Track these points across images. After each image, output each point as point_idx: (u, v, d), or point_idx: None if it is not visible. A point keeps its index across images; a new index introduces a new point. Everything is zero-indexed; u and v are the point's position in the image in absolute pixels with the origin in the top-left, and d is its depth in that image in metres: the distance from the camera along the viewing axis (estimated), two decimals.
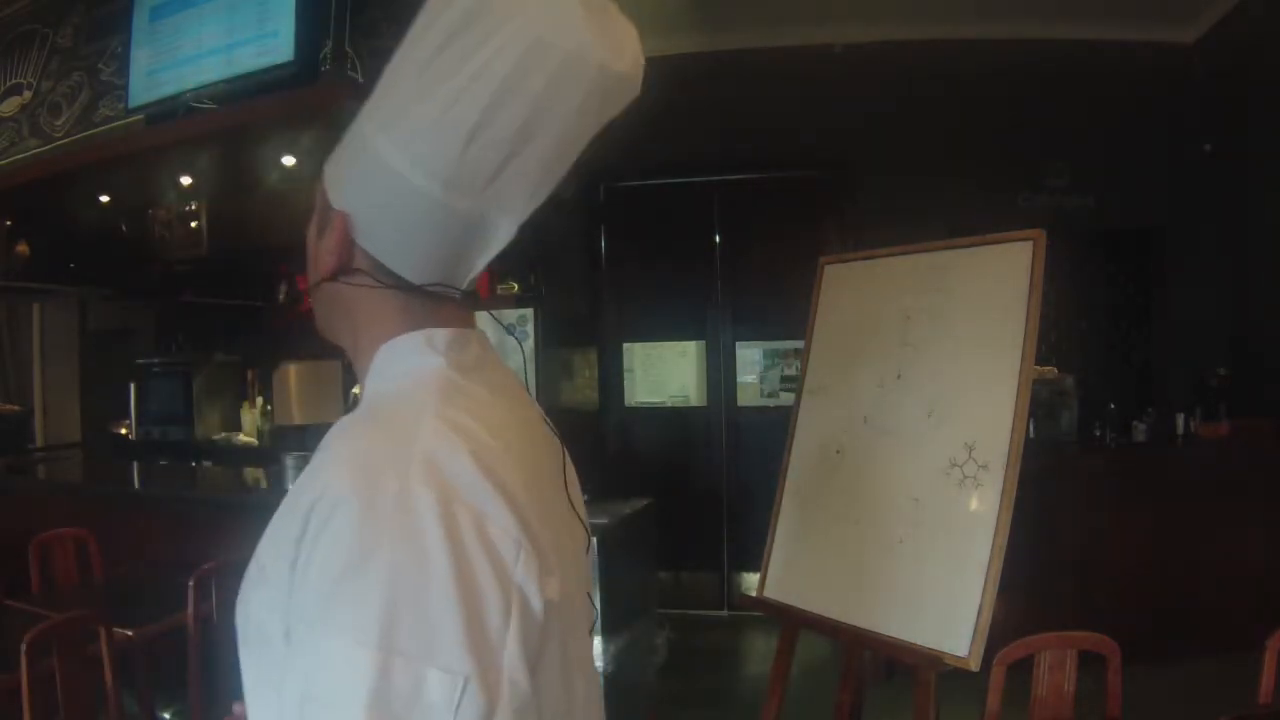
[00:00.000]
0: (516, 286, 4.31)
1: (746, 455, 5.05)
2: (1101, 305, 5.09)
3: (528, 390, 0.84)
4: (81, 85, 3.93)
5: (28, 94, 4.10)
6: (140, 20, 3.64)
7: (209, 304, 5.87)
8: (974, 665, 2.06)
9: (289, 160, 3.89)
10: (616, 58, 0.69)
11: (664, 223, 5.21)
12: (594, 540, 2.60)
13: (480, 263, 0.75)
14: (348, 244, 0.74)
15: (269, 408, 5.48)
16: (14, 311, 5.45)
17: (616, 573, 3.04)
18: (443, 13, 0.69)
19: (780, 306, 4.79)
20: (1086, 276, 4.96)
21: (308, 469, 0.68)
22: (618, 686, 3.00)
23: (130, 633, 2.64)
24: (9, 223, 4.78)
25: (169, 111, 3.55)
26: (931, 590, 2.21)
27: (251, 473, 4.31)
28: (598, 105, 0.71)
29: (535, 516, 0.65)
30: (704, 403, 5.20)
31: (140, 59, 3.63)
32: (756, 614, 3.18)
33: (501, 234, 0.73)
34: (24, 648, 2.04)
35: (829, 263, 2.88)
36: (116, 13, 3.79)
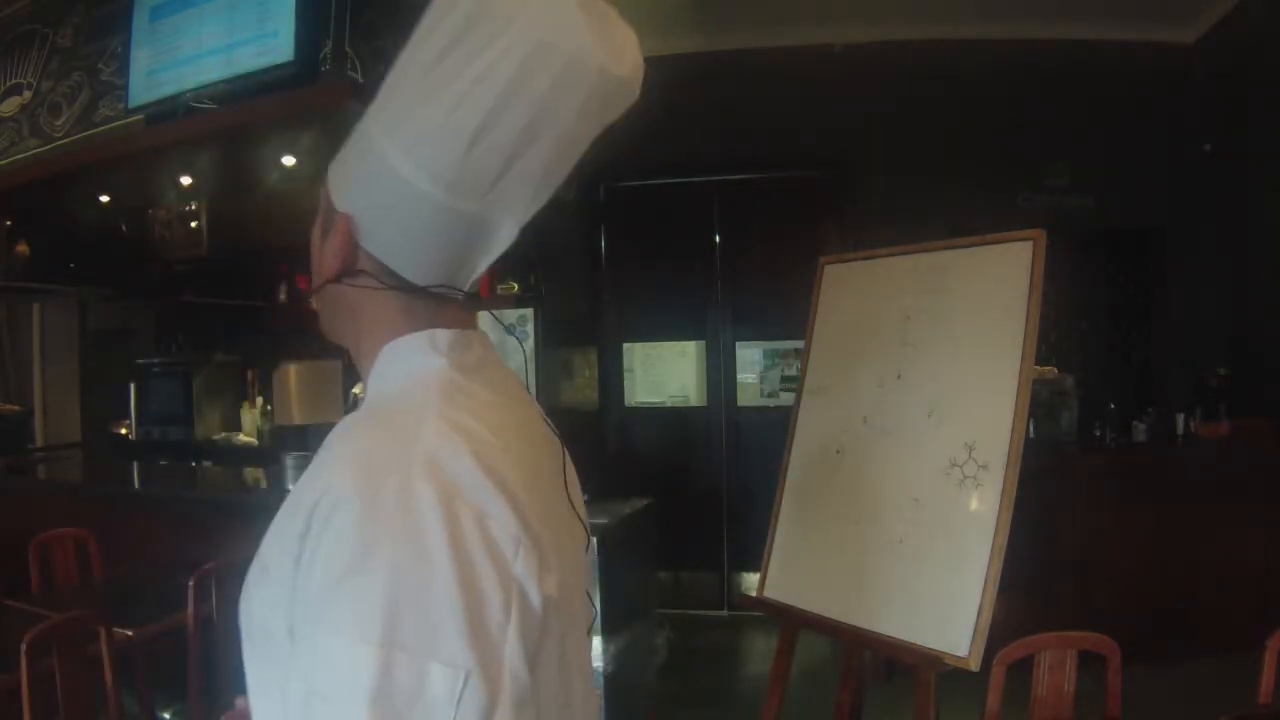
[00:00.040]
0: (516, 286, 4.31)
1: (746, 455, 5.05)
2: (1101, 305, 5.09)
3: (528, 390, 0.85)
4: (81, 85, 3.93)
5: (28, 94, 4.10)
6: (140, 20, 3.64)
7: (209, 304, 5.87)
8: (974, 665, 2.06)
9: (289, 160, 3.88)
10: (616, 62, 0.70)
11: (664, 223, 5.21)
12: (594, 540, 2.60)
13: (483, 264, 0.75)
14: (352, 246, 0.75)
15: (269, 408, 5.48)
16: (14, 311, 5.45)
17: (616, 573, 3.04)
18: (446, 16, 0.69)
19: (780, 306, 4.79)
20: (1086, 276, 4.96)
21: (310, 468, 0.68)
22: (618, 686, 3.00)
23: (130, 633, 2.64)
24: (9, 223, 4.77)
25: (169, 111, 3.55)
26: (931, 590, 2.21)
27: (251, 473, 4.31)
28: (598, 109, 0.72)
29: (535, 515, 0.65)
30: (704, 403, 5.20)
31: (140, 59, 3.63)
32: (756, 614, 3.18)
33: (504, 236, 0.74)
34: (24, 648, 2.04)
35: (829, 263, 2.88)
36: (116, 13, 3.79)
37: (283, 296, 5.38)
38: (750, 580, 4.70)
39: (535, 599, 0.62)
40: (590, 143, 0.75)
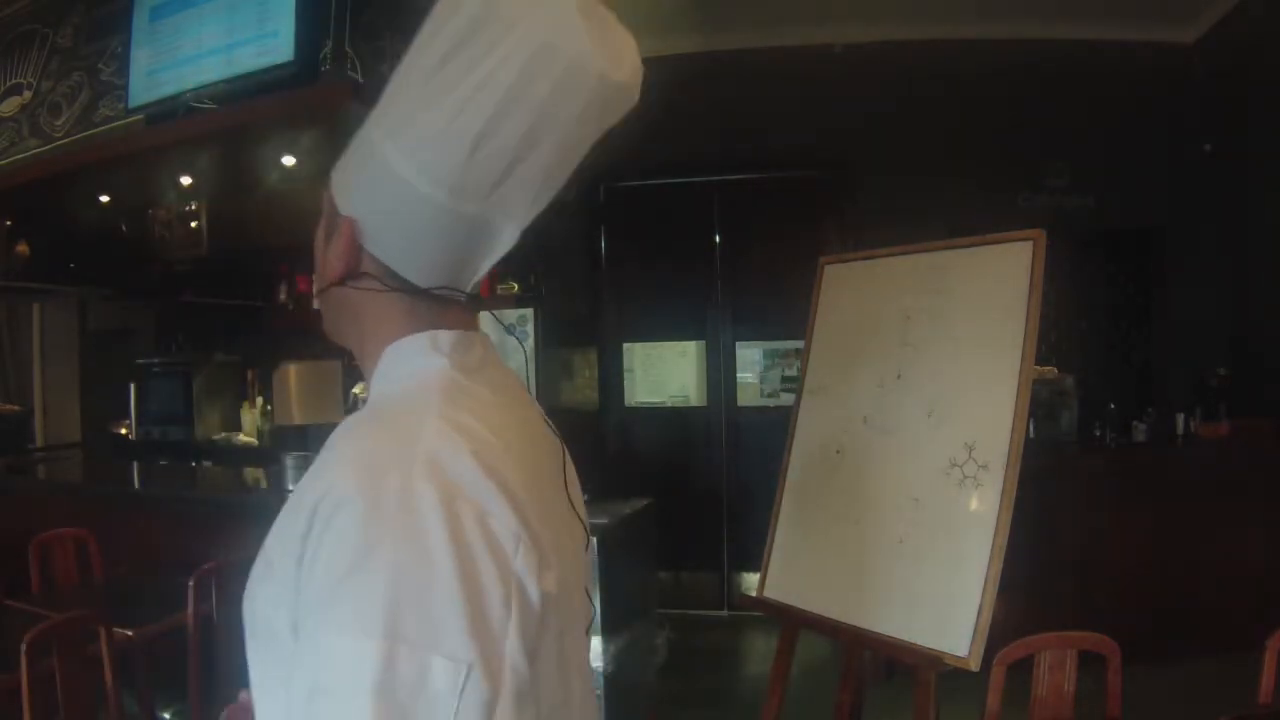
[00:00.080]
0: (516, 286, 4.31)
1: (746, 455, 5.05)
2: (1101, 305, 5.09)
3: (528, 391, 0.86)
4: (81, 85, 3.93)
5: (28, 94, 4.10)
6: (140, 20, 3.64)
7: (209, 304, 5.87)
8: (974, 665, 2.06)
9: (289, 160, 3.89)
10: (616, 67, 0.71)
11: (664, 223, 5.21)
12: (593, 540, 2.60)
13: (485, 266, 0.77)
14: (356, 249, 0.76)
15: (269, 408, 5.48)
16: (14, 311, 5.45)
17: (616, 573, 3.04)
18: (448, 22, 0.70)
19: (780, 306, 4.79)
20: (1086, 276, 4.96)
21: (313, 468, 0.69)
22: (618, 686, 3.00)
23: (130, 633, 2.64)
24: (9, 223, 4.77)
25: (169, 111, 3.55)
26: (931, 590, 2.21)
27: (251, 473, 4.31)
28: (598, 113, 0.73)
29: (534, 514, 0.66)
30: (704, 403, 5.20)
31: (140, 59, 3.63)
32: (756, 614, 3.18)
33: (505, 238, 0.75)
34: (24, 648, 2.03)
35: (829, 263, 2.88)
36: (116, 13, 3.79)
37: (283, 296, 5.38)
38: (750, 580, 4.70)
39: (534, 595, 0.63)
40: (590, 147, 0.76)
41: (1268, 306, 4.58)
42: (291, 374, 5.27)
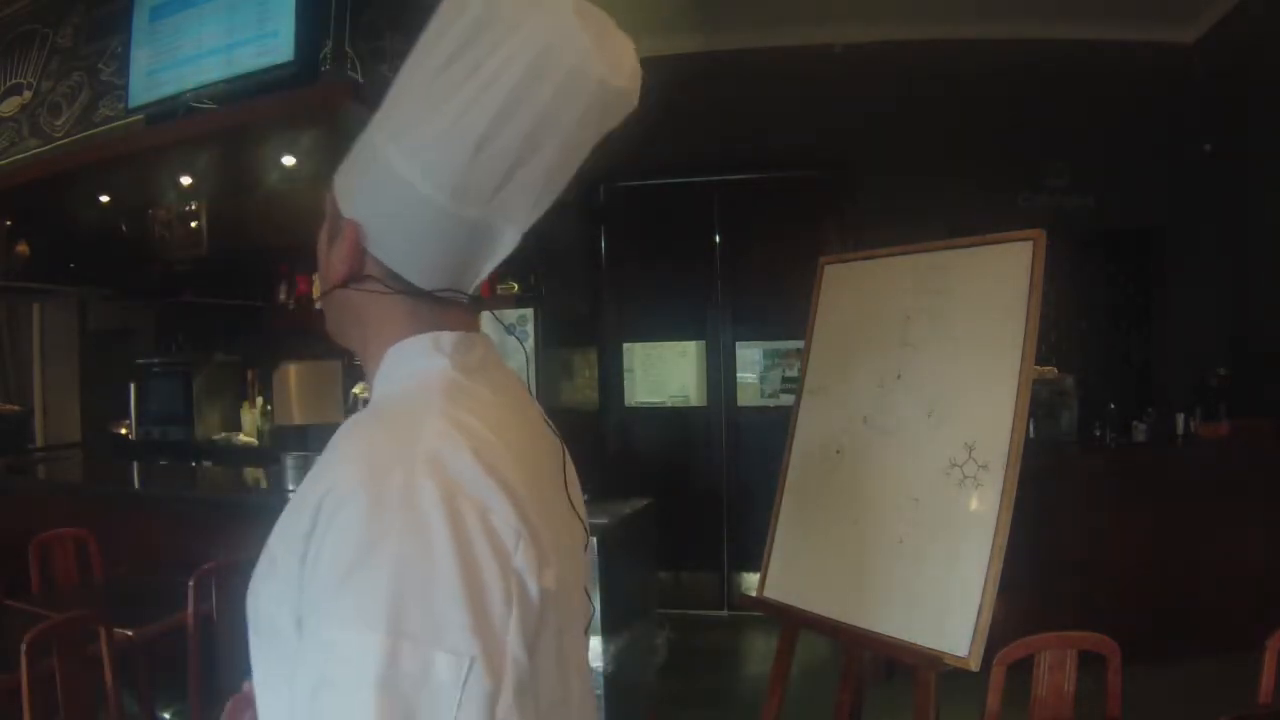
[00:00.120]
0: (516, 286, 4.31)
1: (746, 455, 5.05)
2: (1101, 305, 5.09)
3: (529, 391, 0.86)
4: (81, 85, 3.93)
5: (28, 94, 4.10)
6: (140, 20, 3.64)
7: (209, 304, 5.86)
8: (974, 665, 2.06)
9: (289, 160, 3.89)
10: (615, 73, 0.72)
11: (664, 223, 5.21)
12: (593, 540, 2.60)
13: (486, 268, 0.78)
14: (359, 252, 0.77)
15: (269, 408, 5.48)
16: (14, 311, 5.45)
17: (616, 573, 3.04)
18: (450, 26, 0.71)
19: (780, 306, 4.79)
20: (1086, 276, 4.96)
21: (316, 466, 0.70)
22: (618, 686, 3.00)
23: (130, 633, 2.64)
24: (9, 223, 4.77)
25: (169, 111, 3.55)
26: (931, 590, 2.21)
27: (251, 473, 4.31)
28: (598, 118, 0.74)
29: (534, 512, 0.67)
30: (704, 403, 5.20)
31: (140, 59, 3.63)
32: (756, 614, 3.18)
33: (507, 241, 0.76)
34: (24, 648, 2.03)
35: (829, 263, 2.88)
36: (116, 13, 3.79)
37: (283, 296, 5.38)
38: (750, 580, 4.70)
39: (534, 591, 0.64)
40: (590, 150, 0.77)
41: (1268, 306, 4.58)
42: (291, 374, 5.27)
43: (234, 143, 3.76)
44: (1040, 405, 3.93)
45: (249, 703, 0.78)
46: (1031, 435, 3.19)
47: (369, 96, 3.18)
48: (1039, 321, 2.21)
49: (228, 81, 3.39)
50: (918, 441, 2.37)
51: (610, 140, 0.79)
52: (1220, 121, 4.75)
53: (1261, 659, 2.05)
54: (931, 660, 2.13)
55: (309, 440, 4.70)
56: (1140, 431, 4.23)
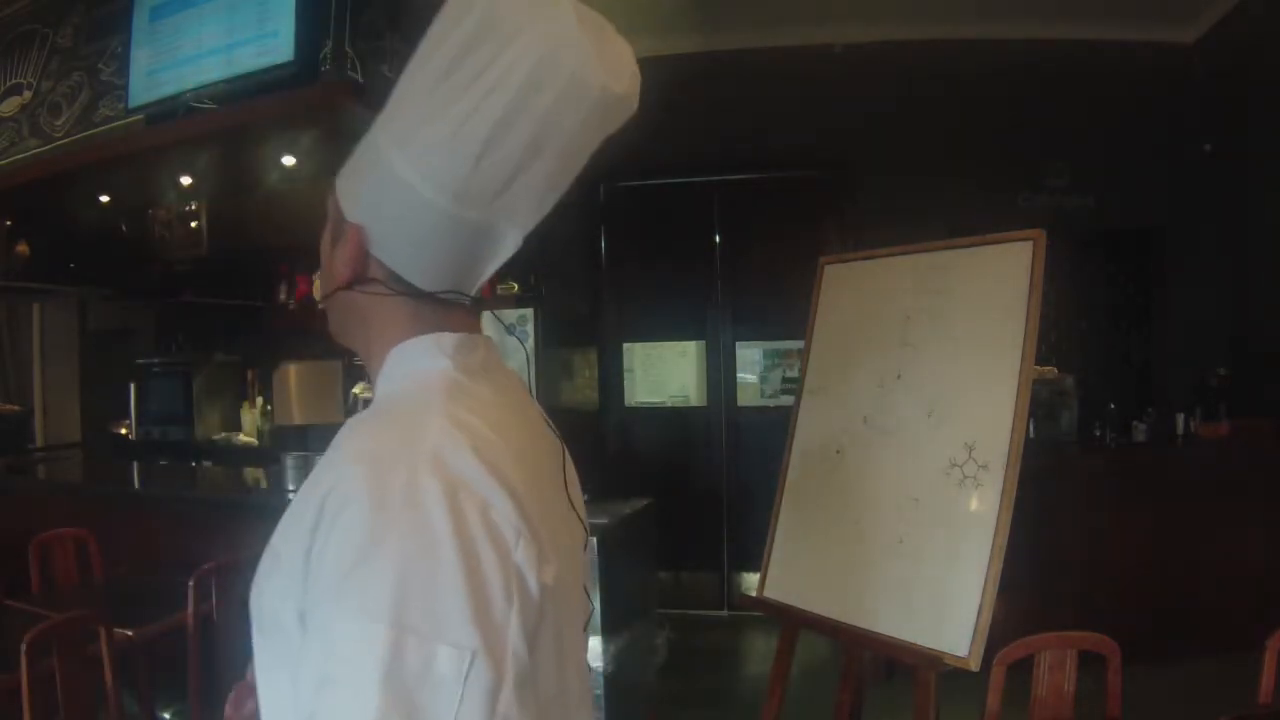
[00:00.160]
0: (516, 286, 4.31)
1: (746, 455, 5.05)
2: (1101, 305, 5.09)
3: (529, 392, 0.87)
4: (81, 85, 3.93)
5: (28, 94, 4.09)
6: (140, 20, 3.64)
7: (209, 304, 5.86)
8: (974, 665, 2.06)
9: (289, 160, 3.89)
10: (615, 79, 0.73)
11: (664, 223, 5.21)
12: (593, 540, 2.60)
13: (489, 270, 0.79)
14: (363, 255, 0.78)
15: (269, 408, 5.48)
16: (14, 311, 5.45)
17: (616, 573, 3.04)
18: (451, 32, 0.72)
19: (780, 306, 4.79)
20: (1086, 276, 4.96)
21: (320, 464, 0.71)
22: (618, 686, 3.00)
23: (130, 633, 2.64)
24: (9, 223, 4.77)
25: (169, 111, 3.55)
26: (931, 590, 2.21)
27: (251, 473, 4.31)
28: (599, 122, 0.75)
29: (534, 509, 0.68)
30: (704, 403, 5.20)
31: (140, 59, 3.63)
32: (756, 614, 3.18)
33: (509, 243, 0.77)
34: (24, 648, 2.03)
35: (829, 263, 2.88)
36: (116, 13, 3.78)
37: (283, 296, 5.38)
38: (750, 580, 4.70)
39: (533, 587, 0.65)
40: (590, 154, 0.78)
41: (1268, 306, 4.58)
42: (291, 374, 5.27)
43: (234, 143, 3.76)
44: (1040, 405, 3.93)
45: (251, 690, 0.78)
46: (1031, 435, 3.19)
47: (369, 96, 3.18)
48: (1039, 321, 2.21)
49: (228, 81, 3.39)
50: (918, 441, 2.37)
51: (610, 140, 0.80)
52: (1220, 121, 4.75)
53: (1261, 659, 2.05)
54: (931, 660, 2.13)
55: (309, 440, 4.70)
56: (1140, 431, 4.23)
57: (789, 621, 2.58)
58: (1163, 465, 4.12)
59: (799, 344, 3.13)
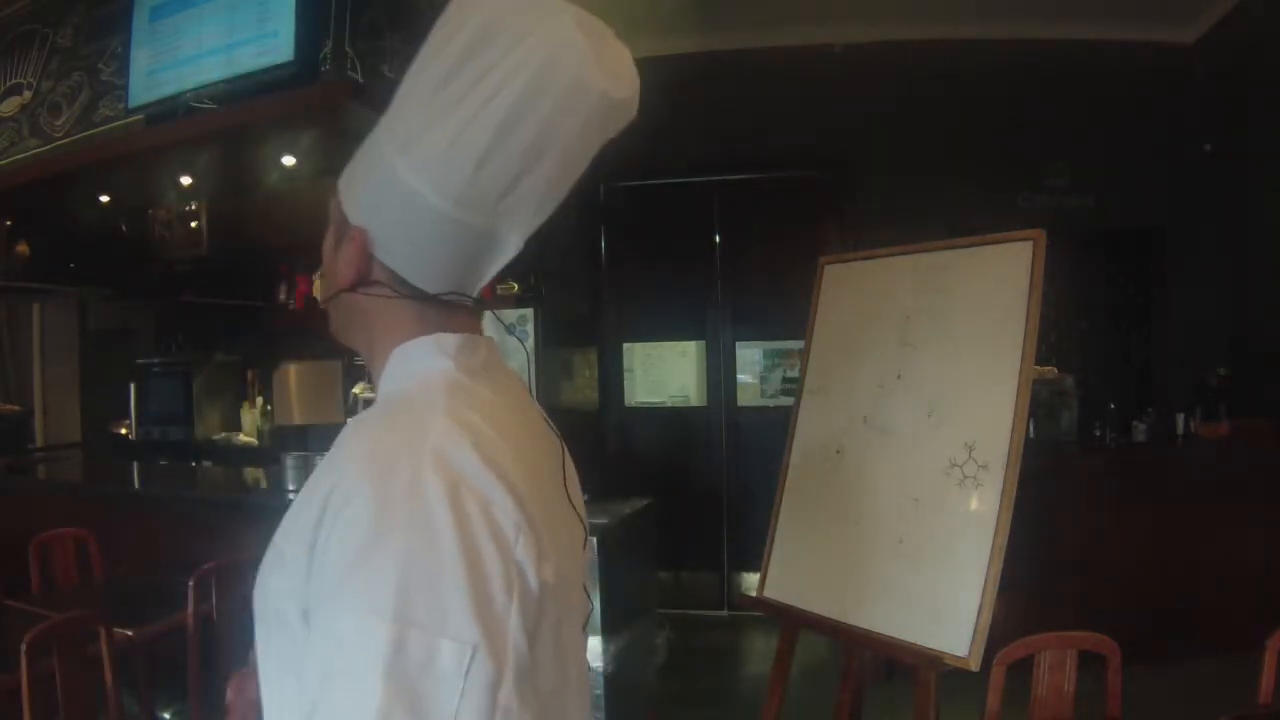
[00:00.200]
0: (516, 286, 4.30)
1: (746, 455, 5.05)
2: (1101, 305, 5.09)
3: (529, 392, 0.88)
4: (81, 85, 3.93)
5: (28, 94, 4.09)
6: (140, 20, 3.64)
7: (209, 304, 5.86)
8: (974, 665, 2.06)
9: (289, 160, 3.88)
10: (615, 85, 0.74)
11: (664, 223, 5.21)
12: (593, 540, 2.60)
13: (490, 272, 0.80)
14: (366, 258, 0.79)
15: (269, 408, 5.48)
16: (14, 311, 5.45)
17: (616, 573, 3.04)
18: (453, 37, 0.73)
19: (780, 306, 4.79)
20: (1086, 276, 4.96)
21: (323, 462, 0.72)
22: (618, 686, 3.00)
23: (130, 633, 2.64)
24: (9, 223, 4.77)
25: (169, 111, 3.55)
26: (931, 590, 2.21)
27: (251, 473, 4.31)
28: (599, 128, 0.76)
29: (534, 507, 0.68)
30: (704, 403, 5.20)
31: (140, 59, 3.63)
32: (756, 614, 3.17)
33: (510, 246, 0.78)
34: (24, 648, 2.03)
35: (829, 263, 2.88)
36: (116, 13, 3.78)
37: (283, 296, 5.38)
38: (750, 580, 4.70)
39: (533, 582, 0.66)
40: (590, 159, 0.80)
41: (1268, 306, 4.58)
42: (291, 374, 5.27)
43: (234, 143, 3.76)
44: (1040, 405, 3.93)
45: (253, 675, 0.79)
46: (1031, 435, 3.19)
47: (369, 96, 3.18)
48: (1039, 321, 2.21)
49: (228, 81, 3.39)
50: (918, 441, 2.37)
51: (610, 141, 0.81)
52: (1220, 121, 4.75)
53: (1261, 659, 2.05)
54: (931, 660, 2.13)
55: (309, 440, 4.70)
56: (1140, 431, 4.23)
57: (789, 621, 2.58)
58: (1163, 465, 4.12)
59: (799, 344, 3.13)
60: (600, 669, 2.93)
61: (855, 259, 2.83)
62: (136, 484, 4.34)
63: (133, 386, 5.57)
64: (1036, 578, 3.23)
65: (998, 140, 4.77)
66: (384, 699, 0.58)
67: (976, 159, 4.77)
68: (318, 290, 0.94)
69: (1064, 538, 3.69)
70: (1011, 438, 2.16)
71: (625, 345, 5.29)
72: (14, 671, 2.06)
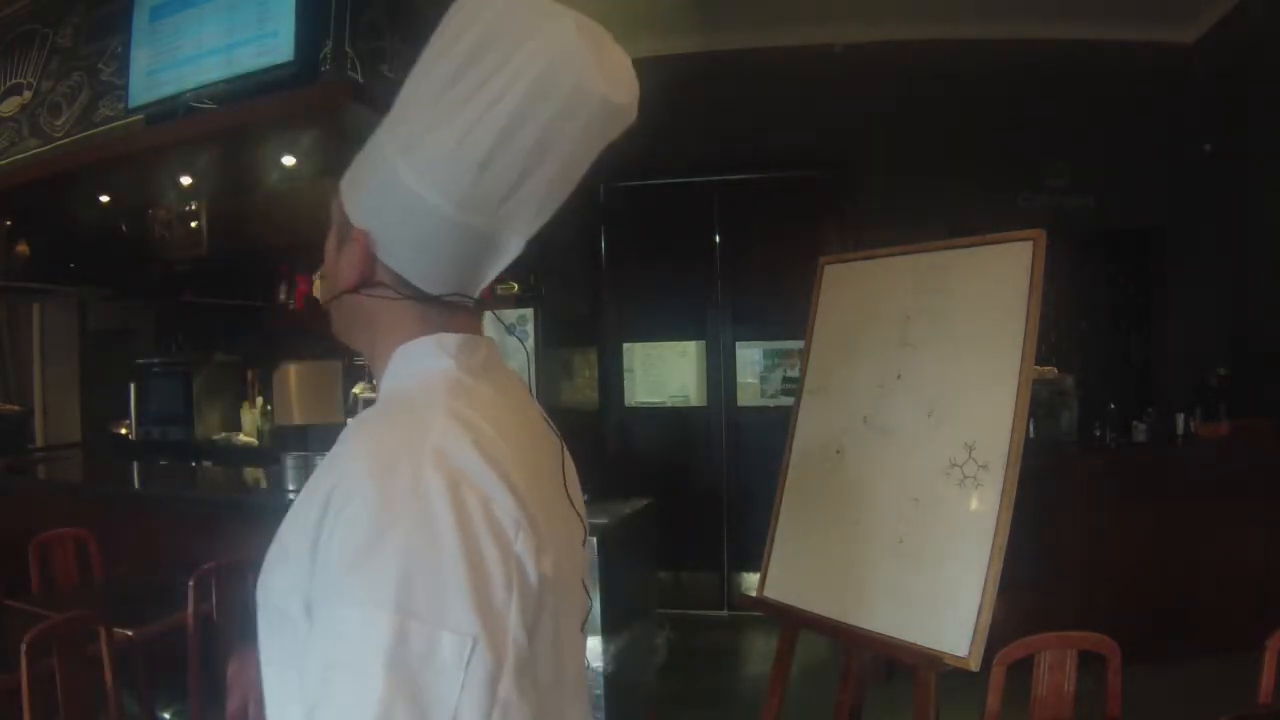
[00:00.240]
0: (516, 286, 4.31)
1: (746, 455, 5.05)
2: (1101, 305, 5.09)
3: (529, 392, 0.89)
4: (81, 85, 3.93)
5: (28, 94, 4.09)
6: (140, 20, 3.64)
7: (209, 304, 5.86)
8: (974, 665, 2.06)
9: (289, 160, 3.88)
10: (615, 90, 0.75)
11: (664, 223, 5.21)
12: (593, 540, 2.60)
13: (491, 274, 0.81)
14: (369, 259, 0.79)
15: (269, 408, 5.48)
16: (14, 311, 5.45)
17: (616, 572, 3.04)
18: (455, 40, 0.74)
19: (780, 306, 4.79)
20: (1086, 276, 4.96)
21: (326, 460, 0.73)
22: (618, 686, 3.00)
23: (130, 633, 2.64)
24: (9, 223, 4.77)
25: (169, 111, 3.55)
26: (931, 590, 2.21)
27: (251, 473, 4.31)
28: (599, 131, 0.77)
29: (533, 504, 0.69)
30: (704, 403, 5.20)
31: (140, 59, 3.63)
32: (756, 614, 3.17)
33: (512, 248, 0.79)
34: (24, 648, 2.03)
35: (829, 263, 2.88)
36: (116, 13, 3.78)
37: (283, 296, 5.38)
38: (750, 580, 4.70)
39: (533, 577, 0.67)
40: (591, 162, 0.80)
41: (1268, 306, 4.58)
42: (291, 374, 5.27)
43: (234, 143, 3.76)
44: (1040, 405, 3.93)
45: (254, 657, 0.80)
46: (1031, 435, 3.19)
47: (369, 96, 3.18)
48: (1039, 321, 2.21)
49: (228, 81, 3.39)
50: (918, 441, 2.37)
51: (610, 143, 0.81)
52: (1220, 121, 4.75)
53: (1261, 659, 2.05)
54: (931, 660, 2.13)
55: (309, 440, 4.70)
56: (1140, 431, 4.23)
57: (789, 621, 2.58)
58: (1163, 465, 4.12)
59: (799, 344, 3.13)
60: (600, 669, 2.93)
61: (855, 259, 2.83)
62: (136, 484, 4.33)
63: (133, 386, 5.57)
64: (1036, 578, 3.23)
65: (998, 140, 4.78)
66: (386, 690, 0.58)
67: (976, 159, 4.77)
68: (318, 290, 0.94)
69: (1064, 538, 3.69)
70: (1011, 438, 2.16)
71: (625, 345, 5.29)
72: (14, 671, 2.06)
